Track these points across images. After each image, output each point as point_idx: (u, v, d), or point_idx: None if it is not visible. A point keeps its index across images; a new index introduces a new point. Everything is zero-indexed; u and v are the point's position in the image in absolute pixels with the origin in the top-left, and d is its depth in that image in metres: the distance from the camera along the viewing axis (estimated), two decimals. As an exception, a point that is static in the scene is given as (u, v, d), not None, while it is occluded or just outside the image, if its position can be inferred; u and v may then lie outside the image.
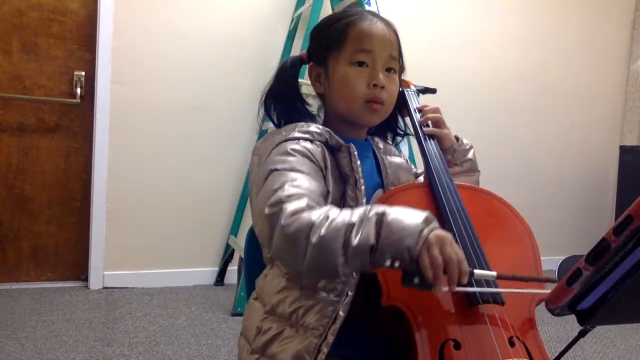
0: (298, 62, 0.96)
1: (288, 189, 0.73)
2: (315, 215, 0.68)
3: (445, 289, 0.65)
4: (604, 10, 3.54)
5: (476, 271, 0.69)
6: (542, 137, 3.45)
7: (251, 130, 2.70)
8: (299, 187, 0.74)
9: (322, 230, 0.66)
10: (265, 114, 0.96)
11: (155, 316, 2.21)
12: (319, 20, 0.94)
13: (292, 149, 0.81)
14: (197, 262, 2.71)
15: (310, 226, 0.67)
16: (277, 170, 0.77)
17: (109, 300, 2.39)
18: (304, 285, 0.81)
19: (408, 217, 0.67)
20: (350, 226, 0.66)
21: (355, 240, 0.65)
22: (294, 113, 0.94)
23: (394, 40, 0.91)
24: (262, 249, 0.94)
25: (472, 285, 0.74)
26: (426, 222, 0.67)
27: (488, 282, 0.77)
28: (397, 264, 0.65)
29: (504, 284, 0.78)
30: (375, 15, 0.92)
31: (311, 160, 0.81)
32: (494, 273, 0.71)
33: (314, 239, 0.66)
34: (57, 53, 2.49)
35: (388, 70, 0.90)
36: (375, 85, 0.87)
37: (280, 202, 0.70)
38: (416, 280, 0.65)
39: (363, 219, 0.67)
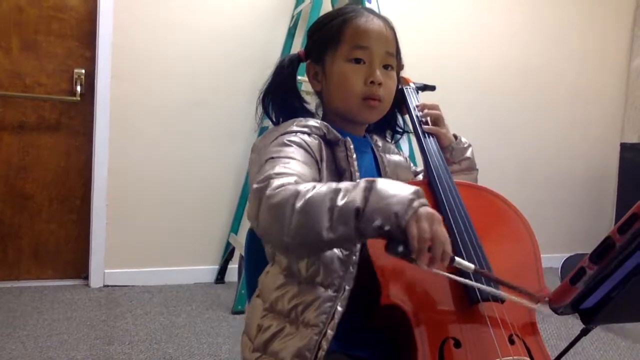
0: (296, 60, 0.96)
1: (278, 169, 0.73)
2: (302, 186, 0.68)
3: (426, 266, 0.64)
4: (604, 7, 3.53)
5: (457, 258, 0.68)
6: (543, 134, 3.44)
7: (251, 127, 2.70)
8: (290, 168, 0.74)
9: (308, 195, 0.66)
10: (263, 112, 0.96)
11: (156, 314, 2.21)
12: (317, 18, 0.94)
13: (289, 140, 0.81)
14: (197, 260, 2.71)
15: (296, 194, 0.66)
16: (272, 158, 0.78)
17: (109, 298, 2.39)
18: (302, 281, 0.81)
19: (398, 187, 0.66)
20: (336, 191, 0.66)
21: (341, 202, 0.64)
22: (291, 111, 0.94)
23: (390, 36, 0.90)
24: (264, 246, 0.94)
25: (468, 278, 0.73)
26: (417, 194, 0.65)
27: (488, 281, 0.77)
28: (387, 228, 0.63)
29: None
30: (372, 12, 0.92)
31: (307, 151, 0.81)
32: (471, 265, 0.69)
33: (298, 204, 0.65)
34: (57, 50, 2.48)
35: (385, 67, 0.90)
36: (372, 82, 0.87)
37: (269, 178, 0.71)
38: (400, 248, 0.64)
39: (351, 186, 0.66)
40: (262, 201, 0.69)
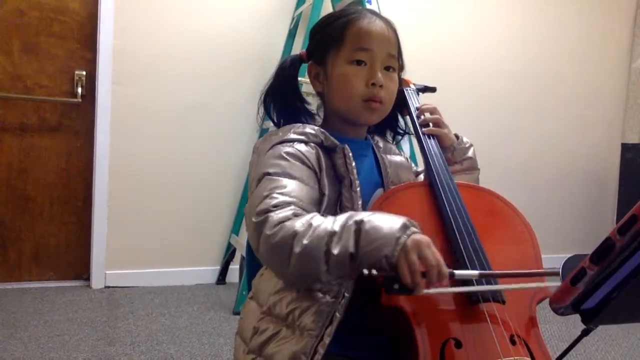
0: (298, 61, 0.96)
1: (276, 197, 0.74)
2: (299, 224, 0.70)
3: (424, 292, 0.66)
4: (605, 7, 3.53)
5: (456, 272, 0.70)
6: (543, 135, 3.44)
7: (252, 129, 2.70)
8: (287, 195, 0.75)
9: (305, 240, 0.68)
10: (265, 112, 0.96)
11: (157, 315, 2.22)
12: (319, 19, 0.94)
13: (286, 153, 0.81)
14: (198, 261, 2.71)
15: (294, 236, 0.69)
16: (269, 174, 0.78)
17: (110, 299, 2.40)
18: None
19: (386, 224, 0.68)
20: (331, 235, 0.68)
21: (335, 250, 0.67)
22: (293, 112, 0.94)
23: (393, 38, 0.90)
24: None
25: (464, 285, 0.74)
26: (404, 228, 0.67)
27: (488, 281, 0.77)
28: (374, 272, 0.66)
29: (503, 282, 0.78)
30: (375, 13, 0.92)
31: (304, 164, 0.81)
32: (475, 272, 0.71)
33: (297, 248, 0.68)
34: (58, 52, 2.49)
35: (387, 68, 0.90)
36: (373, 84, 0.87)
37: (267, 211, 0.73)
38: (396, 286, 0.66)
39: (344, 227, 0.69)
40: (261, 237, 0.72)
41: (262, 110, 0.96)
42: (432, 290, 0.68)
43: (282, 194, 0.75)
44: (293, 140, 0.83)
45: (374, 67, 0.88)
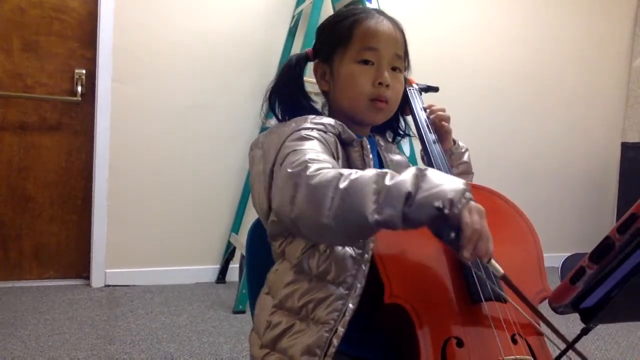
0: (303, 59, 0.96)
1: (310, 155, 0.71)
2: (343, 169, 0.66)
3: (468, 256, 0.63)
4: (605, 7, 3.53)
5: (492, 259, 0.68)
6: (544, 134, 3.45)
7: (252, 128, 2.70)
8: (320, 155, 0.73)
9: (352, 177, 0.63)
10: (268, 110, 0.96)
11: (157, 314, 2.22)
12: (319, 18, 0.94)
13: (307, 134, 0.80)
14: (198, 259, 2.71)
15: (339, 176, 0.64)
16: (294, 151, 0.75)
17: (110, 298, 2.40)
18: (312, 279, 0.80)
19: (449, 177, 0.64)
20: (383, 174, 0.63)
21: (389, 183, 0.62)
22: (298, 109, 0.94)
23: (400, 38, 0.91)
24: (272, 244, 0.93)
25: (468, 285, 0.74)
26: (467, 185, 0.64)
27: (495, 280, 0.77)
28: (446, 211, 0.60)
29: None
30: (382, 13, 0.92)
31: (326, 147, 0.80)
32: (502, 272, 0.70)
33: (342, 184, 0.63)
34: (58, 51, 2.49)
35: (393, 69, 0.90)
36: (380, 83, 0.87)
37: (304, 162, 0.69)
38: (452, 234, 0.62)
39: (396, 173, 0.64)
40: (299, 183, 0.66)
41: (265, 107, 0.96)
42: (474, 259, 0.65)
43: (317, 154, 0.72)
44: (312, 128, 0.82)
45: (381, 67, 0.88)
